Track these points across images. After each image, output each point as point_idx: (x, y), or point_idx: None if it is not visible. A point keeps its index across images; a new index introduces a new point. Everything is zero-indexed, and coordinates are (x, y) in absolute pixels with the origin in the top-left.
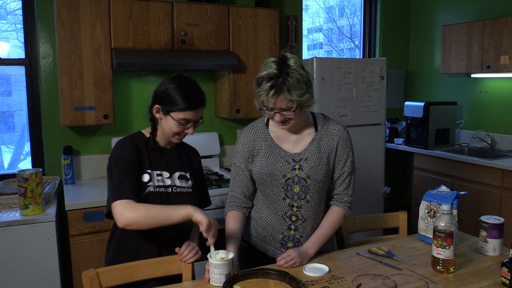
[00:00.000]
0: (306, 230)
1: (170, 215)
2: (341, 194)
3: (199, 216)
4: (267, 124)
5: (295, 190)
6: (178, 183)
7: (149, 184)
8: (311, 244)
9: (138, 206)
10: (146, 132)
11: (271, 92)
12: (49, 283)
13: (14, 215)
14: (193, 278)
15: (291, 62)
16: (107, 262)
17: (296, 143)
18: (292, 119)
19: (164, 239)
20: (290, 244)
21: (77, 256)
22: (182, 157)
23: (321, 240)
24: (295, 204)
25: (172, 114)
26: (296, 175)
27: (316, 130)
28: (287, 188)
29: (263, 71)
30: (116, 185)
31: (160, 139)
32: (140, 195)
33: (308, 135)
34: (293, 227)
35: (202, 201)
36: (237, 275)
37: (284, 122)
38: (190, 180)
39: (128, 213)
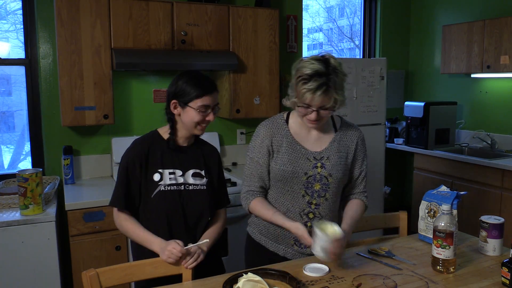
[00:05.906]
0: None
1: (144, 244)
2: (362, 192)
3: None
4: (286, 121)
5: (315, 187)
6: (191, 180)
7: (160, 183)
8: (346, 223)
9: (124, 223)
10: (163, 131)
11: (320, 91)
12: (49, 283)
13: (14, 215)
14: (193, 278)
15: (335, 62)
16: (135, 254)
17: (316, 142)
18: (324, 119)
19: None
20: None
21: (77, 256)
22: (198, 154)
23: (353, 220)
24: (314, 202)
25: (191, 103)
26: (318, 173)
27: (336, 130)
28: (307, 185)
29: (307, 69)
30: (114, 190)
31: (180, 137)
32: (151, 194)
33: (327, 135)
34: (309, 224)
35: (220, 200)
36: (237, 275)
37: (317, 120)
38: (205, 178)
39: (117, 223)
